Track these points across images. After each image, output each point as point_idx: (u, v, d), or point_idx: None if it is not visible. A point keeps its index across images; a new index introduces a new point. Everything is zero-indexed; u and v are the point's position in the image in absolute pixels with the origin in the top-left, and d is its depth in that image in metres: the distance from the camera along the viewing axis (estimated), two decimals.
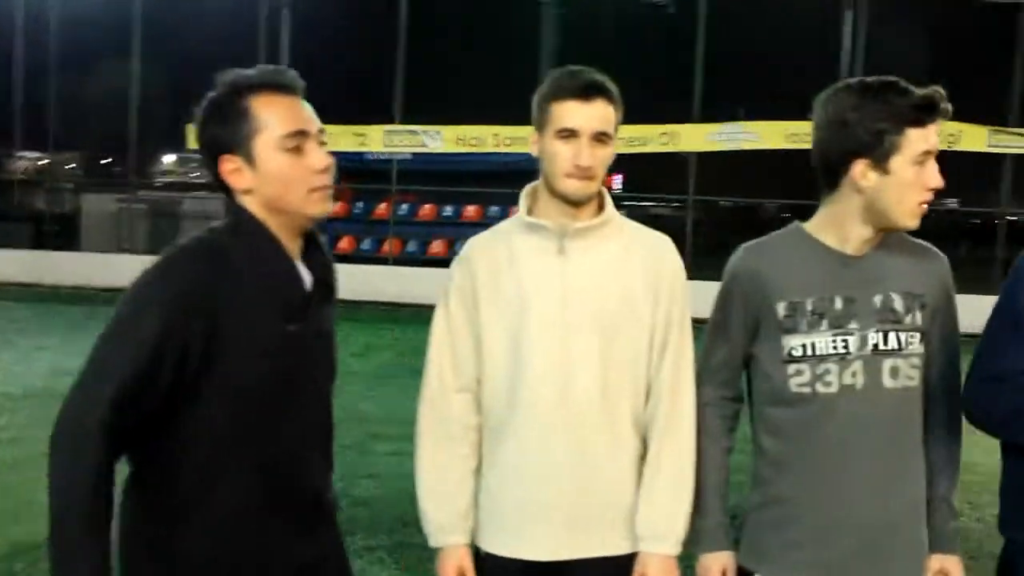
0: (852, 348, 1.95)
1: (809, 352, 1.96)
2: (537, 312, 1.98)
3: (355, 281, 10.40)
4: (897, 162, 1.89)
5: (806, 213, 2.07)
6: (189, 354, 1.59)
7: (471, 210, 16.17)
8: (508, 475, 2.02)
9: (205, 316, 1.60)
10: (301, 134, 1.69)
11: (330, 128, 1.76)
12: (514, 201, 2.11)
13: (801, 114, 1.90)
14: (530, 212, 2.06)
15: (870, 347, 1.95)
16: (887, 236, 1.99)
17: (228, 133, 1.68)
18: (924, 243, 2.05)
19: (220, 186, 1.72)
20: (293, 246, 1.76)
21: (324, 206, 1.73)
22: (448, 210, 16.40)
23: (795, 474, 2.00)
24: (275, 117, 1.67)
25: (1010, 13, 14.38)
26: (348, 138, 14.70)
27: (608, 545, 2.02)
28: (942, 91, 1.89)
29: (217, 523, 1.67)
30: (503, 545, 2.04)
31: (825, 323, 1.96)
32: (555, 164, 1.97)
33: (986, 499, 4.72)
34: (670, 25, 16.48)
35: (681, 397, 2.03)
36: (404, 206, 16.50)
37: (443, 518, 2.05)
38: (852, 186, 1.93)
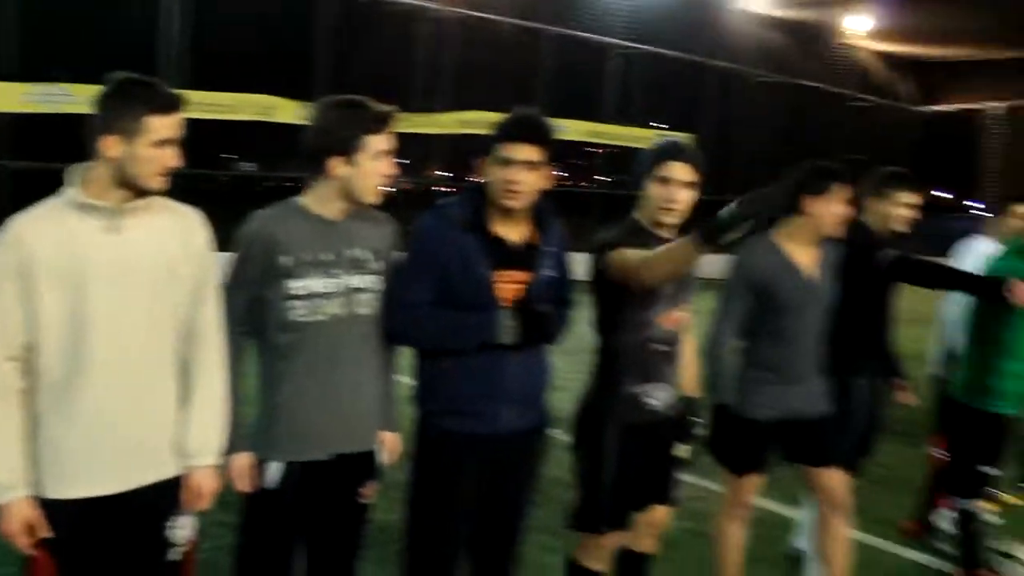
0: (336, 288, 2.59)
1: (306, 292, 2.56)
2: (97, 282, 2.21)
3: None
4: (361, 157, 2.56)
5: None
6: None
7: None
8: (73, 425, 2.23)
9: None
10: None
11: None
12: None
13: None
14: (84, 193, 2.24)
15: (348, 287, 2.61)
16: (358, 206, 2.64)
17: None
18: (380, 212, 2.72)
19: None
20: None
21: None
22: None
23: (298, 381, 2.59)
24: None
25: None
26: None
27: (160, 470, 2.36)
28: (393, 110, 2.57)
29: None
30: (70, 489, 2.25)
31: (317, 271, 2.57)
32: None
33: None
34: None
35: (212, 338, 2.45)
36: None
37: (3, 476, 2.20)
38: (331, 175, 2.56)
